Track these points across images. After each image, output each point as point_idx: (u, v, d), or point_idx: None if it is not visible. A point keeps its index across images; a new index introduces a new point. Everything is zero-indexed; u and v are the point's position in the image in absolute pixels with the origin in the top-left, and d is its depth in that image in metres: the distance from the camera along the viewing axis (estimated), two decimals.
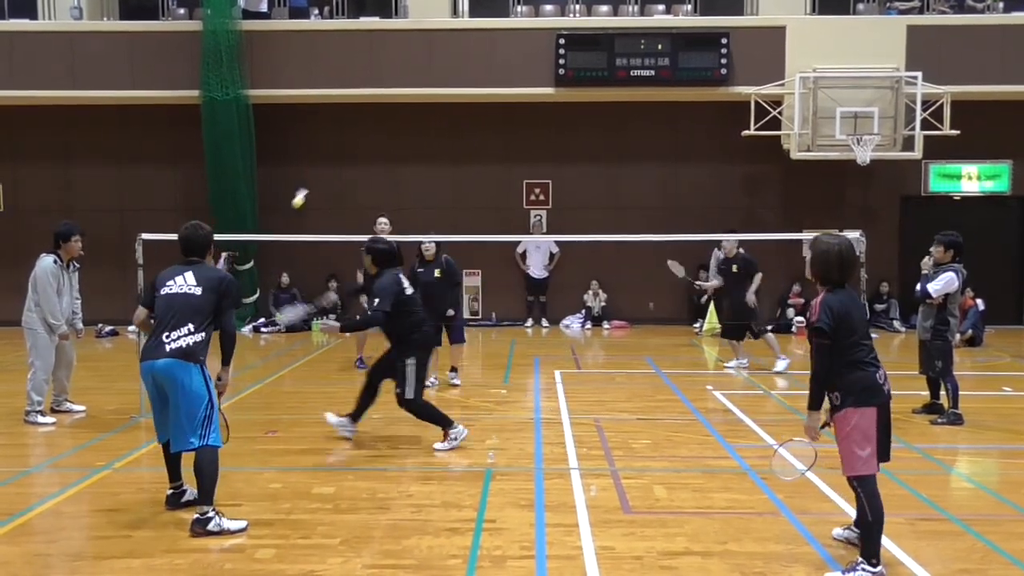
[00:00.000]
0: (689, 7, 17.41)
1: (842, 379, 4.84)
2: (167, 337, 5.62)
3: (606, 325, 16.76)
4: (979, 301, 14.73)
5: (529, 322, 17.09)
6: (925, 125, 14.82)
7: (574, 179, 17.09)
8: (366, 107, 16.52)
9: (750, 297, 11.61)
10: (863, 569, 4.76)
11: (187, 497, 5.96)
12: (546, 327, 16.90)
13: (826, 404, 4.98)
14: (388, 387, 7.81)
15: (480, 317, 17.10)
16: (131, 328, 14.94)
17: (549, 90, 15.83)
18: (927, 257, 8.90)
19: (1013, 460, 7.61)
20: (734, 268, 11.77)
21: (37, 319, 8.64)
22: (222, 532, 5.49)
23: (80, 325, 9.23)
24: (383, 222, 11.96)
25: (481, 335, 15.77)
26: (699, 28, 15.89)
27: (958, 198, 17.05)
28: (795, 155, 15.24)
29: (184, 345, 5.60)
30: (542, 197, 17.22)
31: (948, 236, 8.68)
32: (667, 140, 17.02)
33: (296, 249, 15.69)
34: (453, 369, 10.74)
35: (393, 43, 15.84)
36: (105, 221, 16.18)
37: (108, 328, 15.90)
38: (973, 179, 16.93)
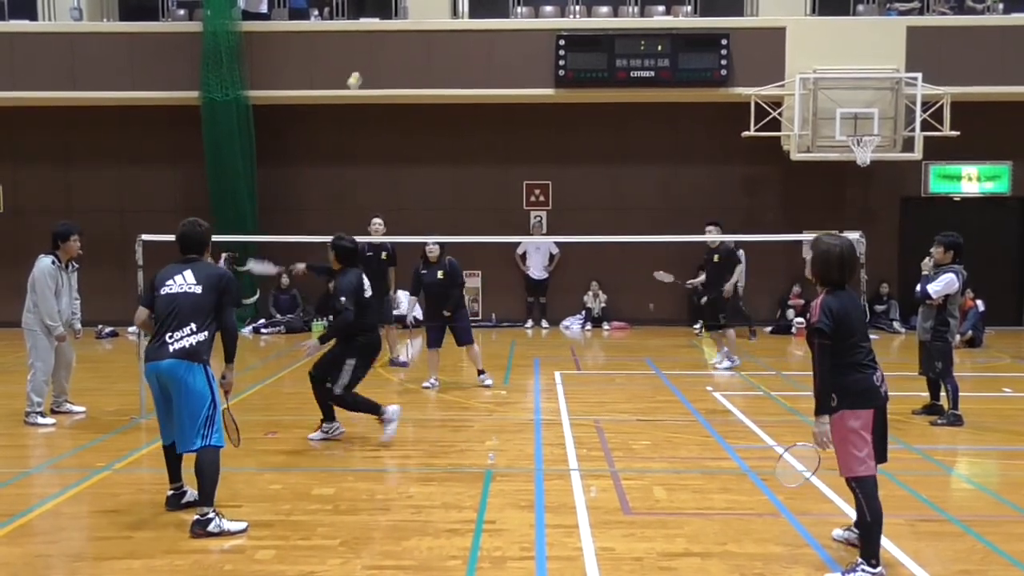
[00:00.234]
0: (689, 8, 17.41)
1: (839, 380, 4.84)
2: (170, 338, 5.62)
3: (606, 326, 16.76)
4: (979, 302, 14.73)
5: (529, 323, 17.10)
6: (925, 126, 14.81)
7: (574, 180, 17.09)
8: (366, 108, 16.52)
9: (727, 288, 11.80)
10: (863, 570, 4.76)
11: (187, 498, 5.97)
12: (546, 328, 16.90)
13: None
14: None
15: (480, 318, 17.08)
16: (131, 329, 14.94)
17: (549, 91, 15.82)
18: (927, 258, 8.90)
19: (1013, 461, 7.61)
20: (716, 258, 11.97)
21: (36, 320, 8.65)
22: (222, 533, 5.49)
23: (79, 326, 9.23)
24: (377, 223, 12.00)
25: (481, 336, 15.73)
26: (699, 29, 15.89)
27: (958, 199, 17.05)
28: (795, 156, 15.24)
29: (187, 345, 5.60)
30: (542, 198, 17.23)
31: (948, 237, 8.68)
32: (667, 141, 17.02)
33: (296, 250, 15.66)
34: (480, 372, 10.74)
35: (393, 44, 15.84)
36: (105, 222, 16.19)
37: (108, 329, 15.91)
38: (973, 180, 16.93)
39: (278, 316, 16.57)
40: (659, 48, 15.57)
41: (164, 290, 5.76)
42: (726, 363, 11.93)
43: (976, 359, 13.22)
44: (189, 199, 16.26)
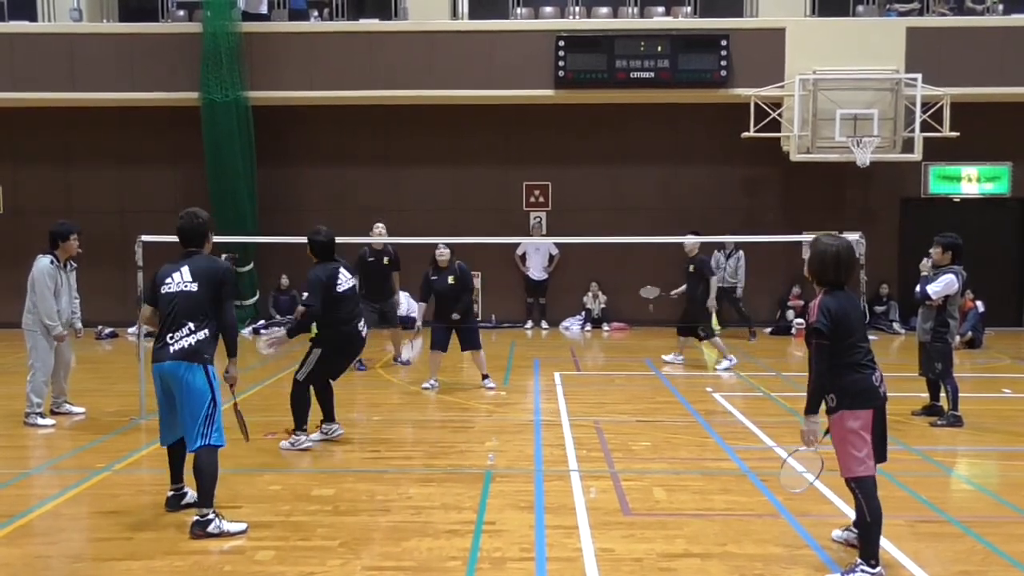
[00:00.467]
0: (689, 9, 17.41)
1: (838, 381, 4.84)
2: (171, 338, 5.64)
3: (606, 327, 16.76)
4: (979, 303, 14.74)
5: (529, 324, 17.09)
6: (925, 127, 14.82)
7: (574, 181, 17.09)
8: (366, 109, 16.53)
9: (711, 303, 12.11)
10: (862, 570, 4.76)
11: (187, 499, 5.97)
12: (546, 329, 16.90)
13: (823, 407, 4.98)
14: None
15: (480, 319, 17.08)
16: (131, 330, 14.97)
17: (549, 92, 15.82)
18: (925, 259, 8.91)
19: (1013, 462, 7.61)
20: (690, 268, 12.27)
21: (36, 321, 8.65)
22: (222, 534, 5.49)
23: (79, 325, 9.24)
24: (379, 227, 12.03)
25: (481, 337, 15.72)
26: (699, 30, 15.89)
27: (958, 200, 17.05)
28: (795, 157, 15.24)
29: (186, 345, 5.61)
30: (542, 199, 17.23)
31: (947, 238, 8.69)
32: (667, 142, 17.02)
33: (296, 251, 15.62)
34: (484, 376, 10.72)
35: (393, 45, 15.84)
36: (105, 223, 16.19)
37: (108, 330, 15.90)
38: (973, 181, 16.93)
39: (278, 316, 16.57)
40: (659, 49, 15.57)
41: (164, 288, 5.77)
42: (724, 363, 12.01)
43: (976, 360, 13.22)
44: (189, 200, 16.10)
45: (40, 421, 8.61)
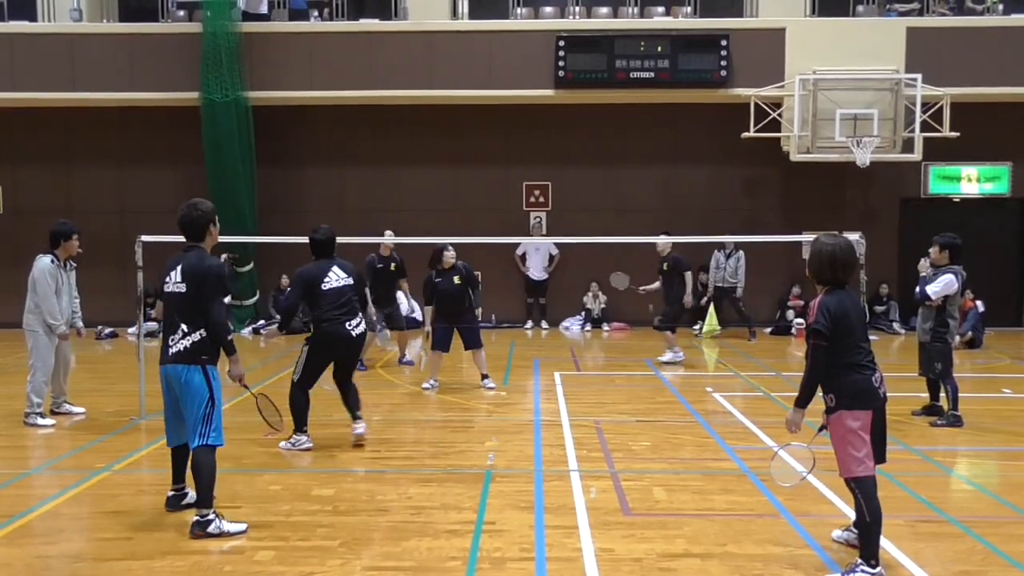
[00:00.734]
0: (689, 9, 17.42)
1: (838, 381, 4.84)
2: (170, 340, 5.67)
3: (606, 327, 16.76)
4: (979, 303, 14.74)
5: (529, 324, 17.09)
6: (925, 127, 14.81)
7: (574, 181, 17.09)
8: (366, 109, 16.52)
9: (687, 299, 12.43)
10: (862, 570, 4.76)
11: (188, 500, 5.97)
12: (546, 329, 16.90)
13: (823, 406, 4.98)
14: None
15: (480, 319, 17.06)
16: (131, 330, 14.98)
17: (549, 92, 15.82)
18: (923, 260, 8.91)
19: (1013, 462, 7.61)
20: (664, 267, 12.51)
21: (38, 321, 8.64)
22: (222, 534, 5.49)
23: (80, 324, 9.25)
24: (389, 233, 12.19)
25: (481, 337, 15.74)
26: (699, 30, 15.89)
27: (958, 200, 17.05)
28: (795, 157, 15.23)
29: (182, 348, 5.62)
30: (542, 199, 17.22)
31: (945, 238, 8.69)
32: (667, 142, 17.01)
33: (296, 251, 15.62)
34: (484, 376, 10.71)
35: (392, 45, 15.84)
36: (105, 223, 16.19)
37: (108, 330, 15.90)
38: (973, 181, 16.93)
39: (278, 316, 16.55)
40: (659, 49, 15.57)
41: (165, 287, 5.80)
42: (668, 355, 12.41)
43: (976, 360, 13.22)
44: (189, 200, 16.23)
45: (40, 421, 8.61)
